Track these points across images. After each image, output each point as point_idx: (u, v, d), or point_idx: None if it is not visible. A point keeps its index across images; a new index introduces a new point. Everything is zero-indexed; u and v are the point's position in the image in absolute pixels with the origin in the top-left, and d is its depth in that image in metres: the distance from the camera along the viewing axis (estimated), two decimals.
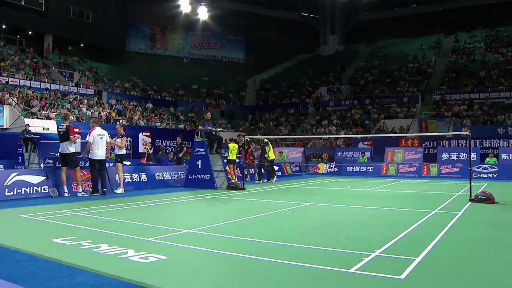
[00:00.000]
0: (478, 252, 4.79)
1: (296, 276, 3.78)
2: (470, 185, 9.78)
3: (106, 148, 10.79)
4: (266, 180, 15.85)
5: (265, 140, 15.96)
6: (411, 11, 44.14)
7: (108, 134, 10.90)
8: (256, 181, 15.42)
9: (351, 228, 6.19)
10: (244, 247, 4.93)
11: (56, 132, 10.52)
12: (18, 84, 24.90)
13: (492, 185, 13.65)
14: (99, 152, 10.41)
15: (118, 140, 11.20)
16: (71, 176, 10.41)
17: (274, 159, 16.54)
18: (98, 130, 10.52)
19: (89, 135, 10.41)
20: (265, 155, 15.61)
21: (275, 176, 16.33)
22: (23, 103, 22.45)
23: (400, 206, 8.82)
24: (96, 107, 26.22)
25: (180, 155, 16.05)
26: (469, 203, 9.00)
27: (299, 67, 44.08)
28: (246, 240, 5.31)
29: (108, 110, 26.91)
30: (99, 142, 10.42)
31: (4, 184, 9.30)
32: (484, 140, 22.06)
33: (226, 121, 33.35)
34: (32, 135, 16.58)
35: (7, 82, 24.20)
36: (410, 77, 33.67)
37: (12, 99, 22.07)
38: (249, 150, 15.81)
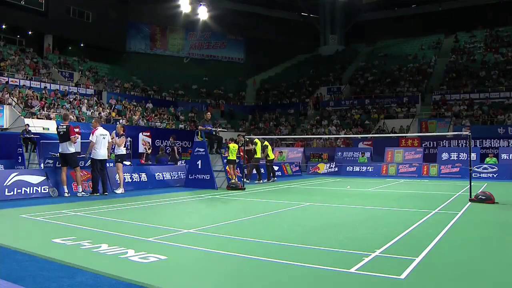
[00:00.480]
0: (478, 252, 4.79)
1: (296, 276, 3.78)
2: (470, 185, 9.78)
3: (107, 148, 10.82)
4: (266, 180, 15.85)
5: (255, 140, 15.76)
6: (411, 11, 44.11)
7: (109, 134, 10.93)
8: (256, 181, 15.41)
9: (351, 228, 6.19)
10: (244, 247, 4.93)
11: (56, 132, 10.53)
12: (18, 84, 24.90)
13: (492, 185, 13.65)
14: (101, 152, 10.45)
15: (117, 138, 11.25)
16: (71, 176, 10.41)
17: (273, 158, 16.51)
18: (100, 130, 10.57)
19: (93, 134, 10.44)
20: (254, 156, 15.42)
21: (262, 180, 15.66)
22: (23, 103, 22.46)
23: (400, 206, 8.82)
24: (96, 107, 26.23)
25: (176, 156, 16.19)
26: (469, 203, 9.00)
27: (299, 67, 44.08)
28: (246, 240, 5.31)
29: (108, 110, 26.92)
30: (102, 142, 10.47)
31: (4, 184, 9.30)
32: (484, 140, 22.05)
33: (226, 121, 33.35)
34: (32, 135, 16.57)
35: (7, 82, 24.21)
36: (410, 77, 33.67)
37: (12, 99, 22.08)
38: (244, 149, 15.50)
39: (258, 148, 15.42)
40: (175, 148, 18.07)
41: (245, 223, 6.83)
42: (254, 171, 15.96)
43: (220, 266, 4.16)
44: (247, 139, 15.31)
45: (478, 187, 12.11)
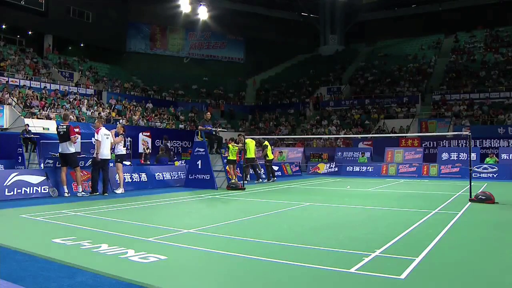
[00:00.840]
0: (478, 252, 4.79)
1: (296, 276, 3.78)
2: (470, 185, 9.78)
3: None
4: (266, 180, 15.83)
5: (246, 140, 15.62)
6: (411, 11, 44.13)
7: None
8: (256, 181, 15.40)
9: (351, 228, 6.19)
10: (244, 247, 4.93)
11: (56, 132, 10.54)
12: (18, 84, 24.90)
13: (492, 185, 13.65)
14: (104, 152, 10.50)
15: (116, 137, 11.29)
16: (71, 176, 10.42)
17: (272, 158, 16.47)
18: (104, 130, 10.63)
19: (97, 134, 10.47)
20: (245, 156, 15.24)
21: (261, 179, 15.70)
22: (23, 103, 22.46)
23: (400, 206, 8.82)
24: (96, 107, 26.22)
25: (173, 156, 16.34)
26: (469, 203, 9.00)
27: (299, 67, 44.08)
28: (246, 240, 5.31)
29: (108, 110, 26.91)
30: (105, 141, 10.51)
31: (4, 184, 9.30)
32: (484, 140, 22.05)
33: (226, 121, 33.34)
34: (32, 135, 16.57)
35: (7, 82, 24.21)
36: (410, 77, 33.66)
37: (12, 99, 22.07)
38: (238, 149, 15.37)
39: (249, 148, 14.91)
40: (165, 148, 18.52)
41: (245, 223, 6.83)
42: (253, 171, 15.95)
43: (220, 266, 4.16)
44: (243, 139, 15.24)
45: (478, 187, 12.11)
